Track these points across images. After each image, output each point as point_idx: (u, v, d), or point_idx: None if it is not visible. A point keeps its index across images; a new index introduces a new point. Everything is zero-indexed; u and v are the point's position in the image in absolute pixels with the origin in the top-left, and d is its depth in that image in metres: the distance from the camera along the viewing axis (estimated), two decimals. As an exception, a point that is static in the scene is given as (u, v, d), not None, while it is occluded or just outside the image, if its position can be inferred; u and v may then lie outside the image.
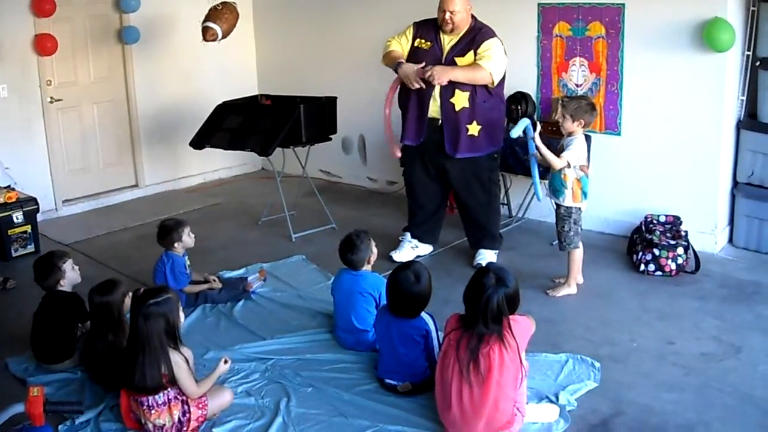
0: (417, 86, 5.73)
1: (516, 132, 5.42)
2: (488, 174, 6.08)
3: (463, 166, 5.96)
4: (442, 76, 5.61)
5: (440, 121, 5.84)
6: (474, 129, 5.80)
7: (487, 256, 6.11)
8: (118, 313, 4.31)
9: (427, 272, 4.34)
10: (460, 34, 5.81)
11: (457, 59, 5.76)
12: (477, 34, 5.78)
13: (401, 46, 5.99)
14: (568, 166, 5.35)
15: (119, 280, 4.56)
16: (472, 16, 5.86)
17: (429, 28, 5.93)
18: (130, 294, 4.27)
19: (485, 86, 5.76)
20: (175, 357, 3.83)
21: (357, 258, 4.82)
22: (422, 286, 4.27)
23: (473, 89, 5.73)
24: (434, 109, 5.84)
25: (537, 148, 5.42)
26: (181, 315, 4.00)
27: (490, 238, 6.23)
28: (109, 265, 6.42)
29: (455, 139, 5.82)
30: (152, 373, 3.75)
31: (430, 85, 5.72)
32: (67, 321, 4.65)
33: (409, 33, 6.00)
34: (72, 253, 5.06)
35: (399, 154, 6.10)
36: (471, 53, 5.74)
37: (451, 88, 5.71)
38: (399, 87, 6.01)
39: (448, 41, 5.84)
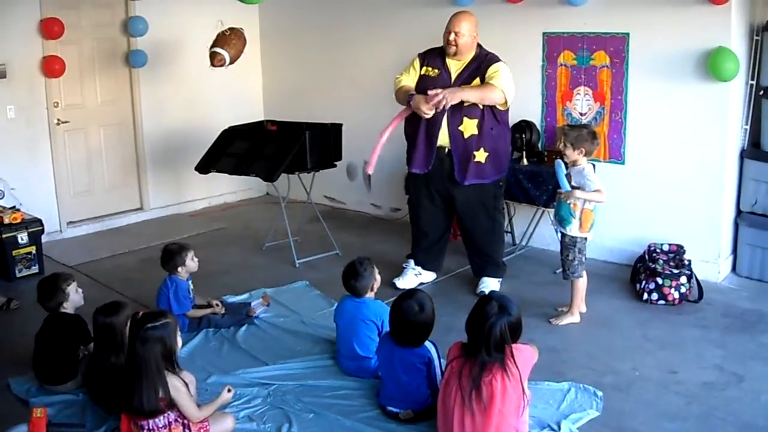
0: (429, 114, 5.71)
1: (561, 176, 5.43)
2: (493, 202, 6.08)
3: (469, 194, 5.96)
4: (452, 97, 5.59)
5: (447, 150, 5.85)
6: (481, 156, 5.82)
7: (490, 284, 6.11)
8: (121, 335, 4.30)
9: (431, 301, 4.33)
10: (467, 61, 5.83)
11: (463, 86, 5.77)
12: (483, 61, 5.81)
13: (411, 79, 6.00)
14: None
15: (125, 302, 4.57)
16: (478, 45, 5.89)
17: (435, 56, 5.96)
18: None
19: (493, 113, 5.77)
20: (173, 381, 3.83)
21: (360, 285, 4.82)
22: (426, 315, 4.26)
23: (482, 116, 5.75)
24: (443, 138, 5.85)
25: (572, 198, 5.41)
26: (179, 340, 3.99)
27: (493, 265, 6.22)
28: (112, 287, 6.42)
29: (464, 166, 5.84)
30: (149, 397, 3.73)
31: (440, 112, 5.72)
32: (70, 343, 4.65)
33: (416, 64, 6.02)
34: (75, 274, 5.07)
35: (371, 171, 6.01)
36: (478, 80, 5.75)
37: (459, 116, 5.73)
38: (407, 117, 6.00)
39: (455, 68, 5.85)
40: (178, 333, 3.97)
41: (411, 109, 5.83)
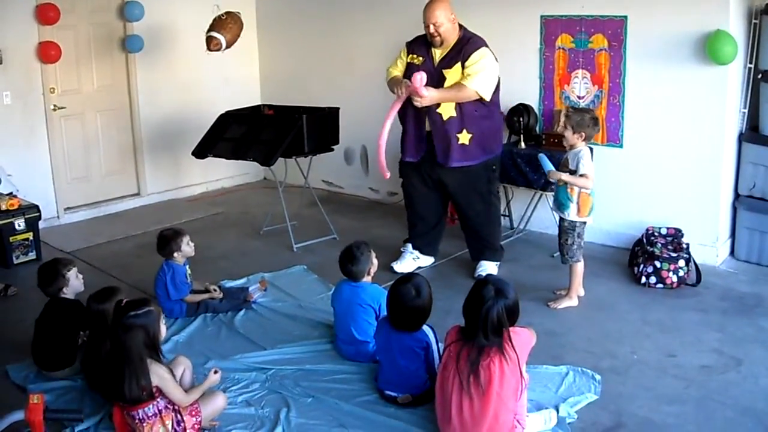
0: (400, 94, 5.71)
1: (546, 163, 5.51)
2: (487, 186, 6.07)
3: (459, 177, 5.96)
4: (423, 101, 5.64)
5: (431, 133, 5.88)
6: (465, 138, 5.80)
7: (488, 268, 6.11)
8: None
9: (428, 285, 4.33)
10: (450, 46, 5.81)
11: (444, 72, 5.77)
12: (465, 45, 5.77)
13: (399, 69, 6.02)
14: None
15: (117, 287, 4.57)
16: (461, 26, 5.86)
17: (420, 44, 5.96)
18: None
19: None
20: (157, 369, 3.81)
21: (357, 269, 4.82)
22: (423, 299, 4.26)
23: None
24: (427, 123, 5.88)
25: (560, 180, 5.41)
26: (163, 328, 3.99)
27: (490, 249, 6.22)
28: (110, 273, 6.42)
29: (446, 148, 5.83)
30: (131, 385, 3.72)
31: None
32: (70, 328, 4.65)
33: (404, 54, 6.04)
34: (73, 260, 5.06)
35: (388, 175, 6.01)
36: (458, 65, 5.73)
37: None
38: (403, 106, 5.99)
39: (439, 54, 5.84)
40: (162, 321, 3.97)
41: (402, 98, 5.81)
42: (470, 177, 5.96)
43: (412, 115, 5.93)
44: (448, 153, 5.83)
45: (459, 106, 5.74)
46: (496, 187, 6.26)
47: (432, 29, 5.72)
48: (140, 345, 3.77)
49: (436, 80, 5.73)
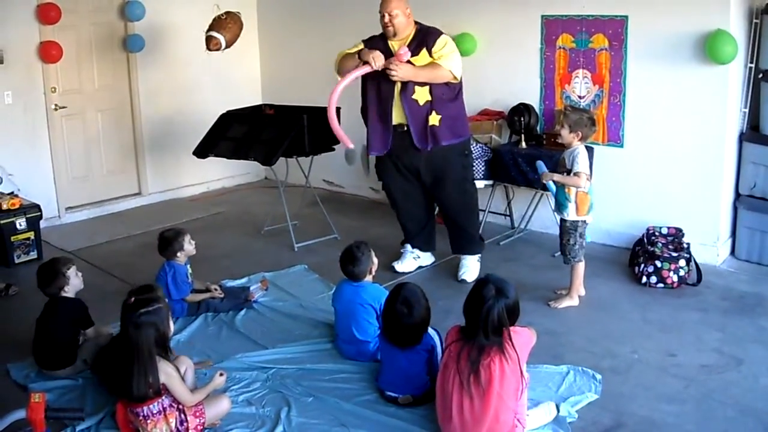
0: (376, 66, 5.67)
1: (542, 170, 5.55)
2: (461, 172, 6.05)
3: (433, 164, 5.94)
4: (404, 74, 5.63)
5: (406, 127, 5.83)
6: (434, 119, 5.79)
7: (469, 266, 6.10)
8: None
9: (422, 295, 4.32)
10: (408, 39, 5.82)
11: (412, 59, 5.74)
12: (426, 35, 5.82)
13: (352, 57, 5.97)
14: (588, 178, 5.35)
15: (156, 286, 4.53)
16: (416, 21, 5.90)
17: (377, 41, 5.96)
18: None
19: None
20: (165, 367, 3.83)
21: (359, 270, 4.82)
22: (417, 315, 4.24)
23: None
24: (397, 115, 5.86)
25: (555, 182, 5.43)
26: (171, 324, 4.01)
27: (468, 240, 6.18)
28: (111, 272, 6.43)
29: (422, 133, 5.82)
30: (139, 382, 3.73)
31: (389, 88, 5.77)
32: (70, 327, 4.66)
33: (360, 47, 5.98)
34: (74, 260, 5.06)
35: (351, 146, 5.82)
36: (424, 51, 5.75)
37: (410, 86, 5.73)
38: (362, 99, 6.02)
39: (397, 46, 5.82)
40: (170, 317, 3.98)
41: (374, 69, 5.73)
42: (444, 163, 5.93)
43: (375, 107, 5.94)
44: (425, 137, 5.82)
45: (431, 90, 5.75)
46: (470, 174, 6.26)
47: (387, 18, 5.78)
48: (151, 342, 3.78)
49: None
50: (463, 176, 6.09)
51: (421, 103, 5.77)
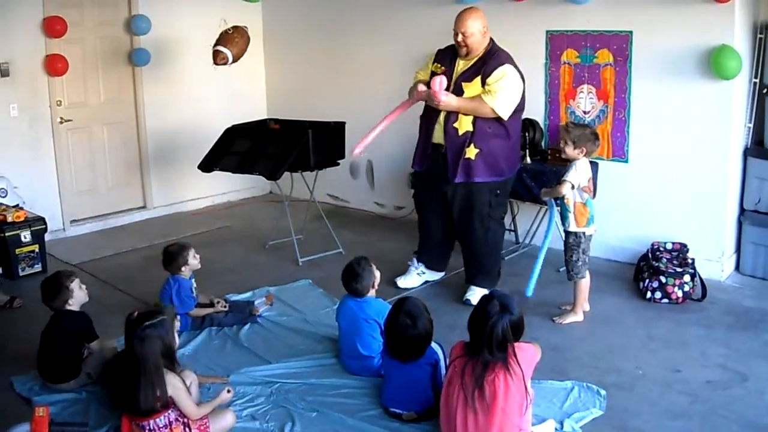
0: (412, 100, 5.76)
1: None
2: (488, 209, 5.83)
3: (461, 196, 5.80)
4: (444, 104, 5.58)
5: (444, 149, 5.77)
6: (471, 153, 5.64)
7: (477, 294, 5.82)
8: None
9: (424, 309, 4.31)
10: (475, 59, 5.70)
11: (464, 84, 5.66)
12: (490, 59, 5.65)
13: (425, 74, 5.93)
14: (572, 187, 5.34)
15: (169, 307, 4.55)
16: (491, 40, 5.76)
17: (447, 54, 5.87)
18: (179, 319, 4.27)
19: None
20: (172, 380, 3.83)
21: (361, 286, 4.81)
22: (421, 327, 4.22)
23: None
24: (438, 135, 5.80)
25: (547, 194, 5.47)
26: (176, 336, 4.01)
27: (483, 275, 6.00)
28: (116, 286, 6.43)
29: (455, 164, 5.71)
30: (146, 396, 3.73)
31: (435, 110, 5.73)
32: (75, 340, 4.66)
33: (430, 62, 5.97)
34: (79, 273, 5.07)
35: (357, 152, 5.88)
36: (478, 80, 5.61)
37: (455, 113, 5.66)
38: (421, 115, 6.00)
39: (462, 66, 5.74)
40: (175, 329, 3.98)
41: (412, 101, 5.79)
42: (471, 196, 5.78)
43: (424, 126, 5.92)
44: (456, 168, 5.69)
45: (474, 121, 5.62)
46: (498, 213, 6.00)
47: (460, 38, 5.61)
48: (157, 354, 3.78)
49: (453, 93, 5.63)
50: (489, 213, 5.86)
51: (461, 132, 5.65)
